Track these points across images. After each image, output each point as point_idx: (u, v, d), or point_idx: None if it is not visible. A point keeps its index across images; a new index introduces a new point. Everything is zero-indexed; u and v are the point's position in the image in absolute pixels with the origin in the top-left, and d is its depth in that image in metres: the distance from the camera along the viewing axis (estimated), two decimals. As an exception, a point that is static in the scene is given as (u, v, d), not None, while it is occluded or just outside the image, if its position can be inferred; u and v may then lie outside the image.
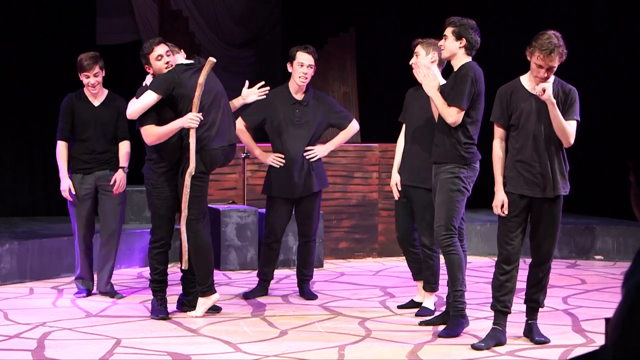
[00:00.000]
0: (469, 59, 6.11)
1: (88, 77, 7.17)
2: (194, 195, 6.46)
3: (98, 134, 7.26)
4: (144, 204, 9.11)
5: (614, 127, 10.32)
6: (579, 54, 9.42)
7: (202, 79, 6.34)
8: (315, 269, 7.66)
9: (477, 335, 5.95)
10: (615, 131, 10.31)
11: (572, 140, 5.73)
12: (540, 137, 5.70)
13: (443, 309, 6.51)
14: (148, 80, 6.64)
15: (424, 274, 6.82)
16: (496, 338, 5.80)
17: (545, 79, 5.69)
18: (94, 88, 7.23)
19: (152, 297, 6.69)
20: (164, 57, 6.51)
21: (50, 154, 7.81)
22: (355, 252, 9.57)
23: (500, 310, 5.82)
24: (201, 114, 6.38)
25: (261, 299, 7.31)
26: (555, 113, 5.61)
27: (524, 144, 5.74)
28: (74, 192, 7.21)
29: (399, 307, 7.01)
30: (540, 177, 5.71)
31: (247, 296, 7.36)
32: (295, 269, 7.65)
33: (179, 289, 6.95)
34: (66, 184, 7.21)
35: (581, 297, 7.57)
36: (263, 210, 8.76)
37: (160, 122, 6.43)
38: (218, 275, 8.11)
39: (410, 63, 6.64)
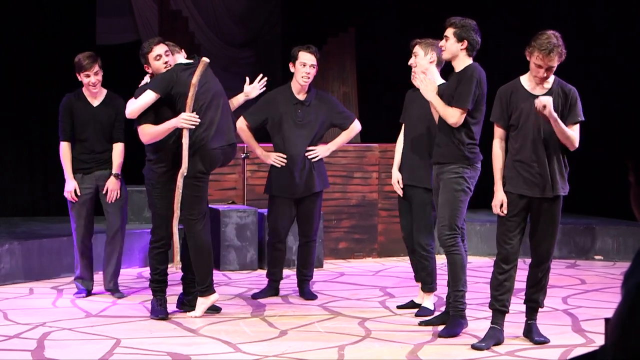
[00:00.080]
0: (470, 59, 6.12)
1: (89, 76, 7.18)
2: (194, 196, 6.47)
3: (97, 134, 7.27)
4: (144, 204, 9.11)
5: (614, 127, 10.32)
6: (578, 54, 9.42)
7: (195, 79, 6.34)
8: (315, 269, 7.66)
9: (476, 336, 5.95)
10: (614, 131, 10.31)
11: (577, 144, 5.74)
12: (539, 138, 5.70)
13: (443, 309, 6.51)
14: (146, 80, 6.65)
15: (421, 275, 6.82)
16: (495, 337, 5.81)
17: (544, 79, 5.69)
18: (95, 87, 7.24)
19: (152, 297, 6.69)
20: (163, 57, 6.52)
21: (50, 154, 7.83)
22: (355, 252, 9.57)
23: (499, 309, 5.83)
24: (195, 113, 6.38)
25: (261, 300, 7.31)
26: (558, 127, 5.61)
27: (523, 144, 5.74)
28: (79, 193, 7.22)
29: (399, 307, 7.01)
30: (539, 177, 5.71)
31: (256, 296, 7.36)
32: (295, 269, 7.65)
33: (179, 289, 6.95)
34: (72, 186, 7.21)
35: (581, 297, 7.57)
36: (263, 211, 8.78)
37: (159, 121, 6.44)
38: (218, 276, 8.11)
39: (409, 64, 6.65)
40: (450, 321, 6.12)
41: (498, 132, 5.84)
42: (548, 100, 5.55)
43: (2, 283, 7.77)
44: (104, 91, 7.35)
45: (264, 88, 7.11)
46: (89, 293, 7.40)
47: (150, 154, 6.61)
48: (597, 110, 10.07)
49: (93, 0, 11.24)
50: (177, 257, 6.55)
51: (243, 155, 9.18)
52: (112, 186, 7.24)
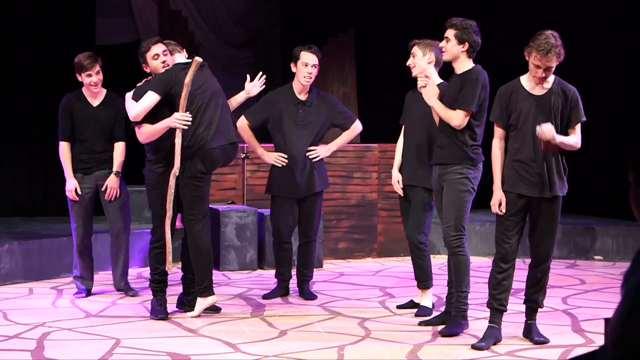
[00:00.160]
0: (471, 61, 6.12)
1: (90, 75, 7.19)
2: (194, 196, 6.47)
3: (97, 134, 7.28)
4: (144, 204, 9.11)
5: (613, 127, 10.32)
6: (578, 54, 9.43)
7: (188, 79, 6.36)
8: (314, 269, 7.66)
9: (476, 335, 5.95)
10: (614, 131, 10.31)
11: (579, 146, 5.76)
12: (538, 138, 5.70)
13: (443, 309, 6.51)
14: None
15: (416, 273, 6.82)
16: (494, 336, 5.82)
17: (543, 79, 5.70)
18: (96, 87, 7.25)
19: (151, 297, 6.69)
20: (160, 57, 6.54)
21: (50, 154, 7.83)
22: (354, 252, 9.57)
23: (497, 308, 5.84)
24: (188, 112, 6.39)
25: (261, 300, 7.31)
26: (565, 143, 5.63)
27: (522, 144, 5.75)
28: (80, 192, 7.23)
29: (399, 307, 7.01)
30: (538, 176, 5.72)
31: (267, 297, 7.36)
32: (295, 269, 7.65)
33: (179, 289, 6.95)
34: (72, 185, 7.23)
35: (580, 297, 7.57)
36: (262, 211, 8.79)
37: (157, 121, 6.45)
38: (217, 276, 8.12)
39: (407, 64, 6.65)
40: (452, 321, 6.12)
41: (498, 132, 5.85)
42: (547, 128, 5.54)
43: (2, 283, 7.77)
44: (104, 91, 7.36)
45: (264, 86, 7.12)
46: (88, 292, 7.41)
47: (149, 154, 6.62)
48: (597, 110, 10.06)
49: (93, 0, 11.24)
50: (169, 258, 6.53)
51: (243, 156, 9.19)
52: (112, 184, 7.25)
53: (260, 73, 7.11)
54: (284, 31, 12.69)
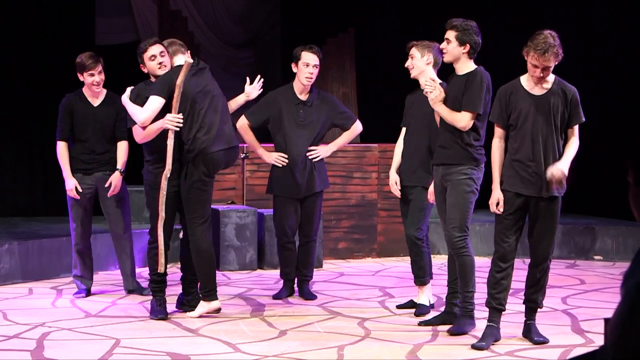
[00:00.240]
0: (472, 61, 6.11)
1: (93, 75, 7.19)
2: (197, 199, 6.46)
3: (97, 134, 7.28)
4: (143, 204, 9.08)
5: (613, 127, 10.32)
6: (578, 54, 9.44)
7: (179, 80, 6.36)
8: (314, 269, 7.66)
9: (476, 335, 5.95)
10: (614, 131, 10.31)
11: (577, 148, 5.76)
12: (537, 138, 5.71)
13: (442, 309, 6.51)
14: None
15: (413, 268, 6.82)
16: (493, 335, 5.82)
17: (541, 79, 5.70)
18: (98, 87, 7.26)
19: (151, 297, 6.69)
20: (157, 58, 6.54)
21: (50, 154, 7.82)
22: (354, 252, 9.57)
23: (495, 307, 5.84)
24: (182, 114, 6.39)
25: (260, 300, 7.31)
26: (570, 160, 5.69)
27: (522, 144, 5.75)
28: (80, 190, 7.23)
29: (398, 307, 7.01)
30: (536, 176, 5.72)
31: (277, 297, 7.36)
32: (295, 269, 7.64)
33: (178, 289, 6.95)
34: (72, 184, 7.22)
35: (580, 297, 7.57)
36: (262, 211, 8.79)
37: (155, 121, 6.46)
38: (217, 276, 8.08)
39: (405, 65, 6.65)
40: (459, 320, 6.12)
41: (497, 131, 5.85)
42: (558, 169, 5.58)
43: (1, 283, 7.77)
44: (104, 91, 7.36)
45: (262, 89, 7.11)
46: (88, 292, 7.41)
47: (147, 155, 6.64)
48: (597, 111, 10.07)
49: (92, 0, 11.24)
50: (161, 260, 6.51)
51: (242, 156, 9.18)
52: (116, 181, 7.25)
53: (259, 77, 7.10)
54: (284, 31, 12.68)
